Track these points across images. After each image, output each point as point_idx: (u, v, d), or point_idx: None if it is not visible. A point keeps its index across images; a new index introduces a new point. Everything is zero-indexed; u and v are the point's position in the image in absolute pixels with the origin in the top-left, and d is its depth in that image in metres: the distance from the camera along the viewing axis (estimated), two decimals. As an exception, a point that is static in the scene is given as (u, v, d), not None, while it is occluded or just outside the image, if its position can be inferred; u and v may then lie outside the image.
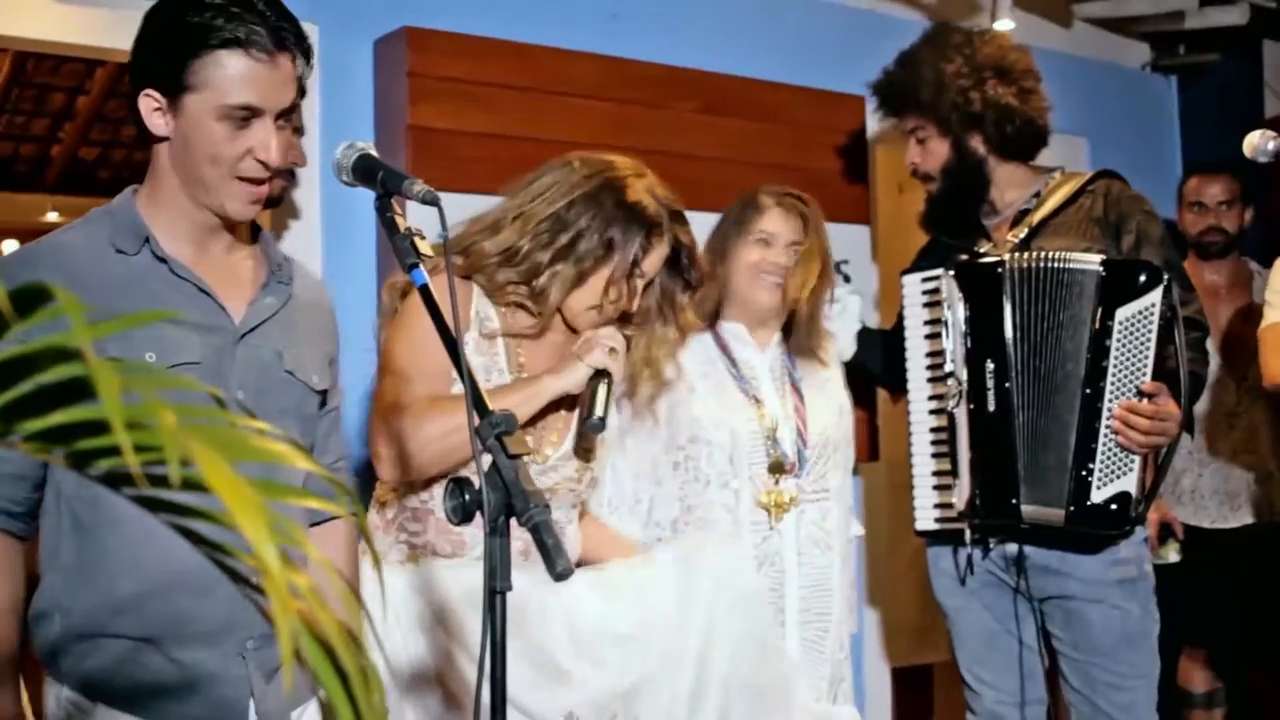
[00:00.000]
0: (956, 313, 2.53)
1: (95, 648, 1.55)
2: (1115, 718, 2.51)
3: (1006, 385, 2.47)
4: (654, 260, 2.09)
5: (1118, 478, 2.39)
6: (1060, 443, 2.43)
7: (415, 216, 1.59)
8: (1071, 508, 2.41)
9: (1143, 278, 2.39)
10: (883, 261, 3.57)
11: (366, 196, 1.58)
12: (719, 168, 3.09)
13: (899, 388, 2.73)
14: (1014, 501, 2.46)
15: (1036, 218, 2.59)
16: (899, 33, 2.96)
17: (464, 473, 1.68)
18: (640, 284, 2.09)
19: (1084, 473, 2.40)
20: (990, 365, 2.48)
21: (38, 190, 8.33)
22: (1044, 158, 2.75)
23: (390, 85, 2.83)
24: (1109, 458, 2.39)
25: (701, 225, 2.45)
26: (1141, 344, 2.38)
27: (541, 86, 2.94)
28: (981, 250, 2.60)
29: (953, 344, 2.54)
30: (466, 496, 1.36)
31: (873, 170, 3.61)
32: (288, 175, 2.60)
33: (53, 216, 8.18)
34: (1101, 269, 2.42)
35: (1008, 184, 2.65)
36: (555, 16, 3.14)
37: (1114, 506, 2.39)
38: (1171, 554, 3.52)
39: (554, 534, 1.31)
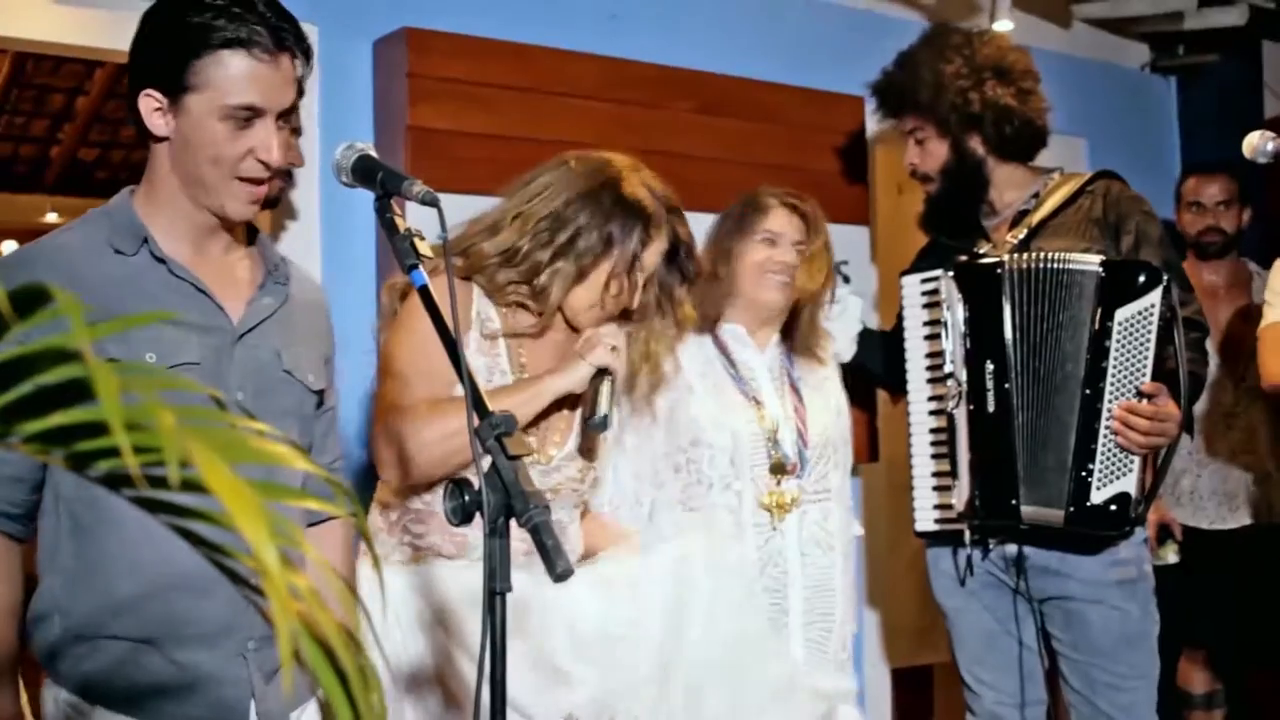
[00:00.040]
0: (956, 314, 2.53)
1: (94, 649, 1.54)
2: (1115, 718, 2.51)
3: (1006, 386, 2.47)
4: (653, 254, 2.09)
5: (1117, 478, 2.39)
6: (1060, 443, 2.43)
7: (415, 217, 1.59)
8: (1071, 508, 2.41)
9: (1142, 278, 2.39)
10: (882, 262, 3.57)
11: (366, 197, 1.58)
12: (718, 168, 3.09)
13: (899, 389, 2.73)
14: (1013, 502, 2.46)
15: (1036, 218, 2.59)
16: (898, 33, 2.96)
17: (464, 474, 1.68)
18: (641, 279, 2.09)
19: (1084, 473, 2.40)
20: (990, 366, 2.48)
21: (37, 191, 8.34)
22: (1043, 158, 2.75)
23: (390, 86, 2.83)
24: (1109, 458, 2.39)
25: (701, 226, 2.45)
26: (1141, 344, 2.38)
27: (541, 87, 2.94)
28: (981, 251, 2.60)
29: (952, 345, 2.54)
30: (466, 497, 1.36)
31: (872, 171, 3.61)
32: (285, 176, 2.60)
33: (52, 217, 8.18)
34: (1101, 270, 2.42)
35: (1007, 185, 2.65)
36: (554, 17, 3.14)
37: (1114, 507, 2.39)
38: (1170, 555, 3.52)
39: (554, 535, 1.31)
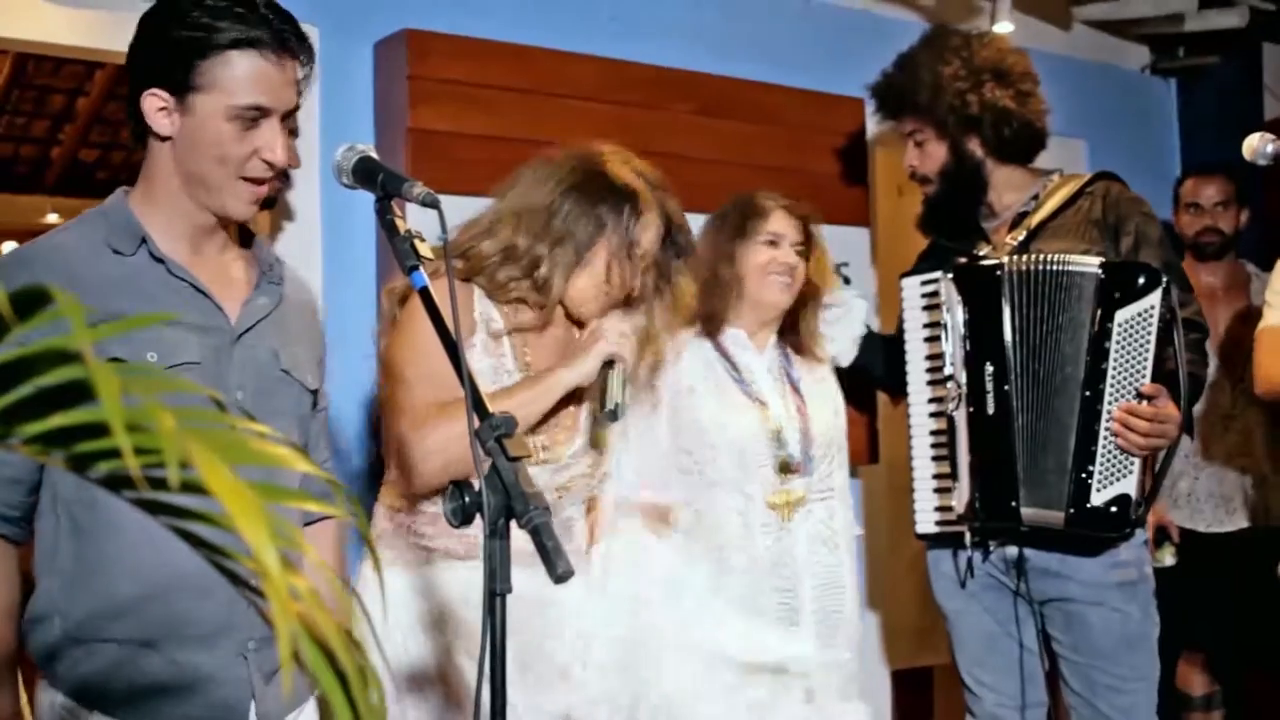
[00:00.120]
0: (955, 316, 2.53)
1: (93, 652, 1.54)
2: (1115, 720, 2.51)
3: (1006, 388, 2.47)
4: (649, 235, 2.10)
5: (1117, 480, 2.39)
6: (1060, 445, 2.43)
7: (415, 219, 1.59)
8: (1071, 510, 2.41)
9: (1141, 280, 2.39)
10: (882, 264, 3.57)
11: (366, 199, 1.58)
12: (718, 170, 3.09)
13: (899, 391, 2.73)
14: (1014, 504, 2.46)
15: (1035, 220, 2.59)
16: (898, 35, 2.96)
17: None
18: (640, 262, 2.10)
19: (1084, 475, 2.40)
20: (989, 368, 2.49)
21: (37, 192, 8.33)
22: (1043, 160, 2.75)
23: (390, 88, 2.83)
24: (1109, 460, 2.39)
25: (700, 227, 2.45)
26: (1141, 346, 2.38)
27: (541, 89, 2.94)
28: (980, 253, 2.61)
29: (952, 347, 2.54)
30: (466, 499, 1.36)
31: (872, 172, 3.61)
32: (283, 177, 2.60)
33: (52, 218, 8.17)
34: (1100, 271, 2.42)
35: (1006, 186, 2.65)
36: (554, 19, 3.14)
37: (1114, 509, 2.39)
38: (1167, 557, 3.52)
39: (554, 536, 1.31)
